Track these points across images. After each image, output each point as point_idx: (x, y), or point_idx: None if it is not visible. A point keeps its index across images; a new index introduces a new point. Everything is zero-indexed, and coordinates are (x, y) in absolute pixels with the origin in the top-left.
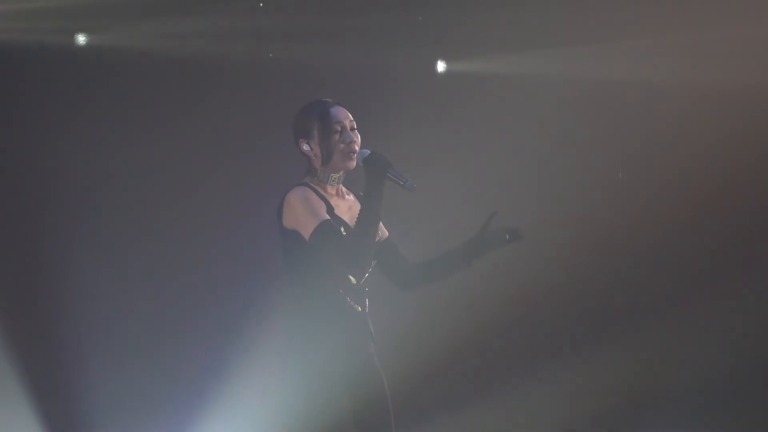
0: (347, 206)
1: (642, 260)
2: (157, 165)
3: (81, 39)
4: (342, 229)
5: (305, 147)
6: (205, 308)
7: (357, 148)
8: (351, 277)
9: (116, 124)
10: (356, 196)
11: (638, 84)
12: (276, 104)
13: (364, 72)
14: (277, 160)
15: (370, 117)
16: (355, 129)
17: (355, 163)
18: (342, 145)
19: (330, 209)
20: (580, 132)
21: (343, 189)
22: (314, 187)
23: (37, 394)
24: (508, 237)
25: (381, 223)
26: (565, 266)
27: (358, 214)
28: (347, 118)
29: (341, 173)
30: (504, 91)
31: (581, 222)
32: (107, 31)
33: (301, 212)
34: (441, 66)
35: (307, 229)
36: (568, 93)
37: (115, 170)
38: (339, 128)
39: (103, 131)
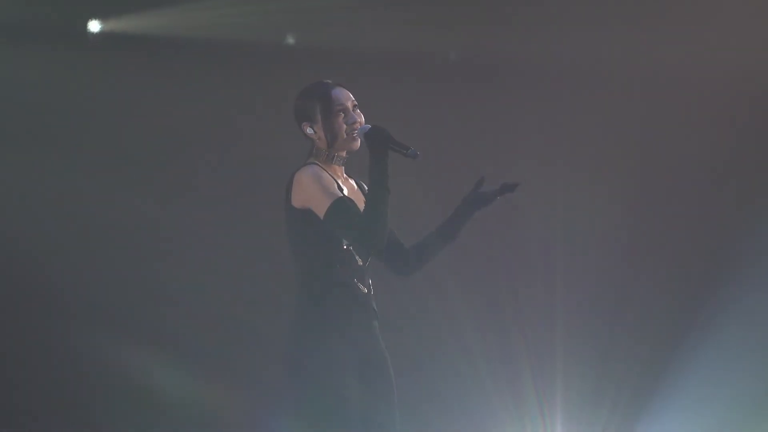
0: (350, 187)
1: (645, 258)
2: (167, 155)
3: (93, 26)
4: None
5: (309, 130)
6: (212, 301)
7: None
8: (358, 257)
9: (125, 113)
10: (356, 182)
11: (655, 77)
12: (290, 91)
13: (375, 60)
14: (291, 148)
15: (381, 105)
16: (357, 109)
17: (359, 143)
18: (345, 126)
19: (339, 188)
20: (591, 122)
21: (344, 173)
22: (322, 166)
23: (49, 392)
24: (498, 197)
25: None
26: (571, 260)
27: (368, 191)
28: (348, 99)
29: (345, 153)
30: (517, 80)
31: (590, 215)
32: (119, 17)
33: (315, 190)
34: (453, 54)
35: (321, 207)
36: (581, 83)
37: (124, 161)
38: (341, 110)
39: (114, 120)
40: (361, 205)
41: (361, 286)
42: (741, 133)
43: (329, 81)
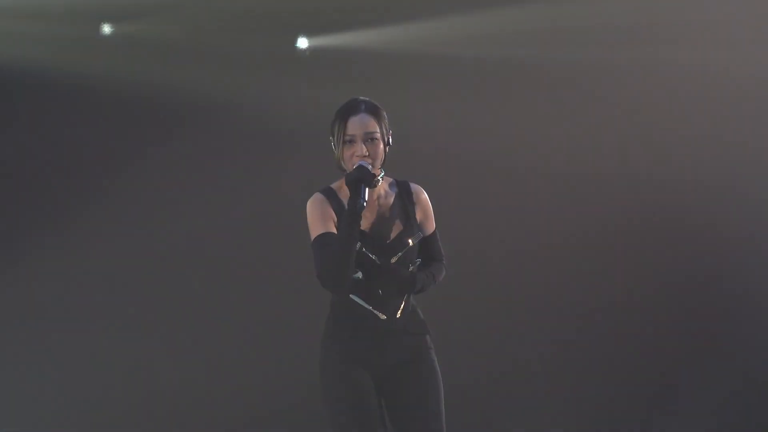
0: (375, 208)
1: (645, 259)
2: (177, 158)
3: (106, 29)
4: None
5: (333, 146)
6: (224, 311)
7: (359, 159)
8: (379, 289)
9: (134, 115)
10: (398, 194)
11: (667, 75)
12: (299, 96)
13: (385, 61)
14: (299, 154)
15: (389, 107)
16: (373, 139)
17: None
18: (348, 154)
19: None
20: (600, 122)
21: (379, 189)
22: (335, 189)
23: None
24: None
25: (429, 219)
26: (572, 261)
27: (337, 232)
28: (362, 129)
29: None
30: (527, 80)
31: (593, 217)
32: (130, 21)
33: (310, 221)
34: (466, 56)
35: (311, 239)
36: (587, 82)
37: (135, 163)
38: (349, 139)
39: (124, 122)
40: (388, 222)
41: (377, 313)
42: (749, 133)
43: (363, 103)
